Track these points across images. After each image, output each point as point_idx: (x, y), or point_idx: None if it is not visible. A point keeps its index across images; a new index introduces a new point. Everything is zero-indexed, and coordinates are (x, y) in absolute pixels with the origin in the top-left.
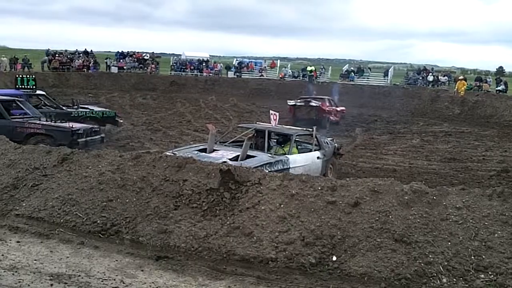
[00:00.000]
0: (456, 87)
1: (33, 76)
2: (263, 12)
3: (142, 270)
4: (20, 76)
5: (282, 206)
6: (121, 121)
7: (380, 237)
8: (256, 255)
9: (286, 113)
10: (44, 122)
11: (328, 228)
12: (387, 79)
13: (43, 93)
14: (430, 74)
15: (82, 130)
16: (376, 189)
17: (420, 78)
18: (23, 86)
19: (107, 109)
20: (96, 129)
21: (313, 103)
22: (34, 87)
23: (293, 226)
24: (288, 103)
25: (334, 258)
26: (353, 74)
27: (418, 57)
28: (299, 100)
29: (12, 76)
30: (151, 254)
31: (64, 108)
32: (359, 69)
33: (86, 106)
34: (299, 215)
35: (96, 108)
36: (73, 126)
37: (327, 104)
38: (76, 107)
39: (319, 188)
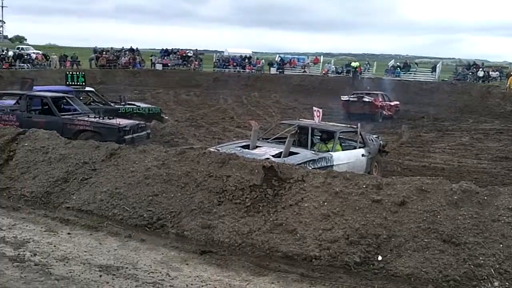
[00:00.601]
0: (508, 83)
1: (83, 73)
2: (306, 8)
3: (187, 264)
4: (70, 72)
5: (325, 203)
6: (166, 117)
7: (427, 237)
8: (300, 252)
9: (337, 108)
10: (92, 119)
11: (373, 227)
12: (435, 75)
13: (92, 89)
14: (481, 69)
15: (129, 126)
16: (423, 188)
17: (470, 73)
18: (73, 83)
19: (153, 106)
20: (142, 125)
21: (366, 99)
22: (83, 83)
23: (337, 224)
24: (341, 98)
25: (380, 258)
26: (399, 70)
27: (467, 51)
28: (352, 95)
29: (61, 73)
30: (195, 248)
31: (112, 104)
32: (405, 65)
33: (132, 103)
34: (343, 213)
35: (142, 105)
36: (120, 123)
37: (380, 99)
38: (123, 103)
39: (364, 186)
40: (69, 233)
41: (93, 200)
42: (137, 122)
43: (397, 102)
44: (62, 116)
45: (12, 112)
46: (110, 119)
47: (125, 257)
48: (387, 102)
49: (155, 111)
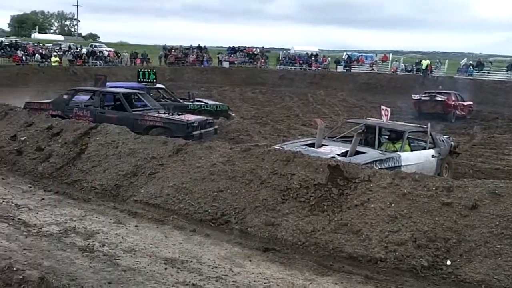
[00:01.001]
0: None
1: (154, 70)
2: (374, 5)
3: (250, 260)
4: (142, 70)
5: (392, 205)
6: (233, 114)
7: (500, 243)
8: (365, 253)
9: (406, 107)
10: (162, 115)
11: (443, 230)
12: (510, 74)
13: (163, 86)
14: None
15: (197, 122)
16: (497, 191)
17: None
18: (144, 80)
19: (220, 103)
20: (210, 121)
21: (439, 98)
22: (154, 80)
23: (404, 226)
24: (413, 97)
25: (449, 263)
26: (471, 68)
27: None
28: (424, 95)
29: (132, 70)
30: (259, 245)
31: (181, 101)
32: (479, 63)
33: (201, 100)
34: (411, 216)
35: (210, 102)
36: (189, 119)
37: (453, 98)
38: (191, 100)
39: (434, 188)
40: (136, 226)
41: (160, 194)
42: (205, 118)
43: (471, 102)
44: (133, 112)
45: (86, 108)
46: (179, 115)
47: (190, 251)
48: (460, 102)
49: (222, 108)
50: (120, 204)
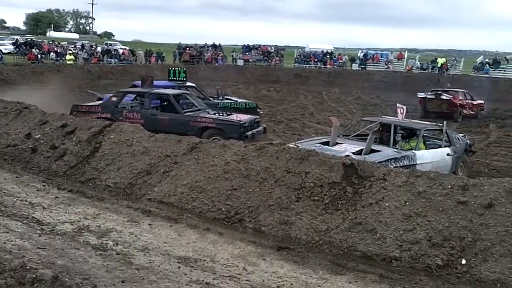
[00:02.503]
0: None
1: (184, 69)
2: (390, 2)
3: (263, 259)
4: (173, 68)
5: (407, 203)
6: (261, 112)
7: None
8: (379, 252)
9: (414, 106)
10: (214, 116)
11: (458, 229)
12: None
13: (193, 84)
14: None
15: (248, 122)
16: None
17: None
18: (175, 78)
19: (249, 101)
20: (258, 120)
21: (444, 96)
22: (184, 79)
23: (419, 225)
24: (418, 95)
25: (464, 262)
26: (487, 66)
27: None
28: (430, 93)
29: (147, 69)
30: (272, 244)
31: (211, 99)
32: (495, 61)
33: (230, 97)
34: (426, 214)
35: (239, 100)
36: (241, 119)
37: (461, 97)
38: (221, 98)
39: (449, 186)
40: (150, 224)
41: (173, 192)
42: (253, 117)
43: (481, 101)
44: (185, 114)
45: (136, 110)
46: (228, 115)
47: (203, 250)
48: (469, 101)
49: (251, 106)
50: (133, 203)
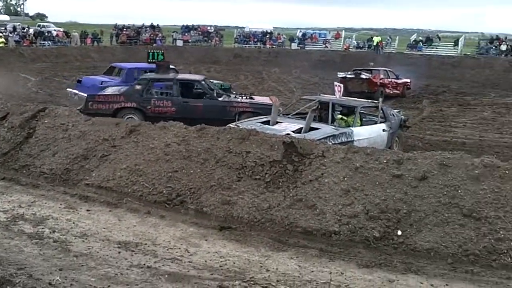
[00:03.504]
0: None
1: (162, 51)
2: None
3: (206, 240)
4: (152, 51)
5: (346, 179)
6: (234, 93)
7: (448, 212)
8: (319, 227)
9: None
10: (249, 101)
11: (394, 202)
12: (457, 49)
13: (173, 67)
14: (504, 43)
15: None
16: (444, 162)
17: (493, 47)
18: (153, 60)
19: (224, 82)
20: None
21: (364, 75)
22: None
23: (357, 199)
24: (338, 75)
25: (399, 233)
26: (421, 44)
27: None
28: (349, 72)
29: (82, 50)
30: (214, 224)
31: None
32: (428, 39)
33: None
34: (363, 189)
35: (214, 81)
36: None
37: (382, 76)
38: None
39: (385, 161)
40: (88, 210)
41: (112, 176)
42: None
43: (407, 80)
44: (219, 99)
45: (167, 98)
46: (250, 98)
47: (144, 234)
48: (392, 79)
49: (226, 87)
50: (70, 189)
